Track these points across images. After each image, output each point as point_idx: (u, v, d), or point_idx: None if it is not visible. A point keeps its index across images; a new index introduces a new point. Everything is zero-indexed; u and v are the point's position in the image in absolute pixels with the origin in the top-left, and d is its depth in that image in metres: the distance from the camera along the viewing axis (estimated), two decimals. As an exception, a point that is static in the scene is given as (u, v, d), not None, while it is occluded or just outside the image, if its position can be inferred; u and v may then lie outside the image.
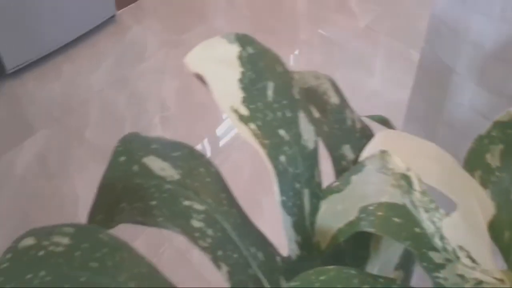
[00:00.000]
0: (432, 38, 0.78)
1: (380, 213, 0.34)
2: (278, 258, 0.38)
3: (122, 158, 0.40)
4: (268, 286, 0.36)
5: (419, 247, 0.34)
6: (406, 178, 0.36)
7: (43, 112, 1.62)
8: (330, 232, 0.38)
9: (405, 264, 0.45)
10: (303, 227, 0.39)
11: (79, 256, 0.32)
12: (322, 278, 0.33)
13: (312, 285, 0.33)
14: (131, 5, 2.05)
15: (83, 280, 0.31)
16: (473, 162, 0.44)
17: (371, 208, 0.35)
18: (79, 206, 1.32)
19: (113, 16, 1.92)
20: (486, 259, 0.37)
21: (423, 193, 0.36)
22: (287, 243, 0.39)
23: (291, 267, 0.37)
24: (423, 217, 0.36)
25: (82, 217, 1.27)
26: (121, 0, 1.99)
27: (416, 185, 0.36)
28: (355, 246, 0.40)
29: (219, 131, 1.58)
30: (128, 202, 0.38)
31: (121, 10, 2.01)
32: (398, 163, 0.37)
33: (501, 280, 0.37)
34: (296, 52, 1.85)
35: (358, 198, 0.36)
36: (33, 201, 1.38)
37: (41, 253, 0.33)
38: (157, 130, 1.58)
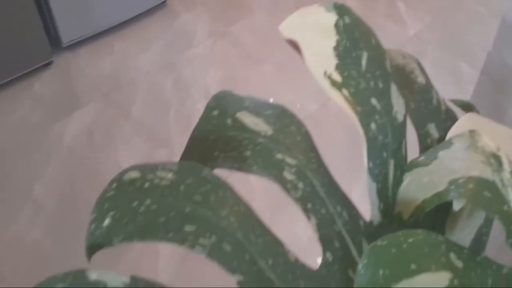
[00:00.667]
0: (501, 43, 0.78)
1: (471, 186, 0.35)
2: (361, 221, 0.39)
3: (215, 112, 0.42)
4: (352, 245, 0.37)
5: (508, 224, 0.35)
6: (496, 157, 0.37)
7: (93, 87, 1.68)
8: (413, 203, 0.39)
9: (475, 250, 0.46)
10: (386, 196, 0.41)
11: (183, 190, 0.34)
12: (410, 240, 0.34)
13: (400, 245, 0.34)
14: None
15: (188, 211, 0.34)
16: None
17: (461, 181, 0.36)
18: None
19: (164, 2, 1.98)
20: None
21: (514, 172, 0.37)
22: (370, 209, 0.40)
23: (373, 232, 0.38)
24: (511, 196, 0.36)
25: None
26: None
27: (506, 165, 0.37)
28: (433, 223, 0.41)
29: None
30: (221, 151, 0.40)
31: (172, -5, 2.06)
32: (488, 142, 0.38)
33: None
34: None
35: (446, 172, 0.37)
36: (79, 170, 1.43)
37: (146, 184, 0.35)
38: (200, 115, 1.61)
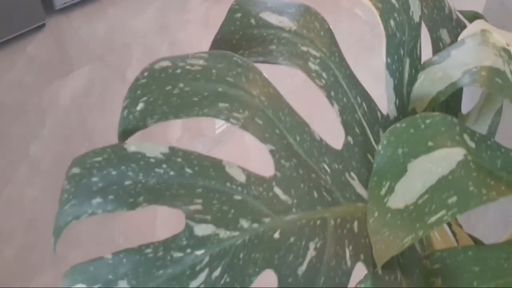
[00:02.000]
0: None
1: (483, 73, 0.37)
2: (379, 114, 0.42)
3: (238, 15, 0.43)
4: (370, 134, 0.40)
5: (516, 107, 0.38)
6: (506, 51, 0.40)
7: (88, 50, 1.66)
8: (427, 98, 0.41)
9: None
10: (401, 93, 0.43)
11: (215, 73, 0.36)
12: (427, 121, 0.37)
13: (418, 126, 0.36)
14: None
15: (220, 91, 0.35)
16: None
17: (474, 70, 0.38)
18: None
19: None
20: None
21: (522, 63, 0.40)
22: (387, 104, 0.42)
23: (389, 125, 0.40)
24: (520, 83, 0.39)
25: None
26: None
27: (516, 57, 0.40)
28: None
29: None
30: (246, 49, 0.41)
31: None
32: (498, 38, 0.40)
33: None
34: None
35: (459, 64, 0.40)
36: (75, 129, 1.43)
37: (178, 71, 0.36)
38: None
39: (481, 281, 0.32)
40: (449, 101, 0.45)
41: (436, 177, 0.34)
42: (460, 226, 0.44)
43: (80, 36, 1.71)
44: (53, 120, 1.45)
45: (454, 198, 0.32)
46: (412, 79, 0.43)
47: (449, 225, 0.44)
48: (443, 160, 0.34)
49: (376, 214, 0.33)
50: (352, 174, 0.36)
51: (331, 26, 0.43)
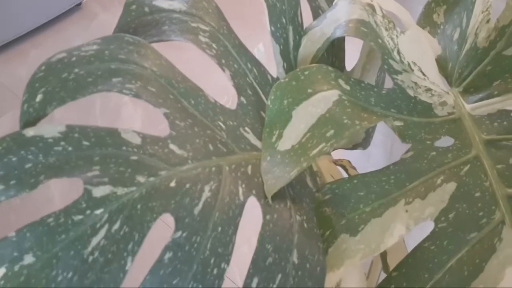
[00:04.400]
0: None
1: (351, 25, 0.42)
2: (269, 76, 0.45)
3: (133, 6, 0.45)
4: (262, 94, 0.42)
5: (383, 53, 0.42)
6: (370, 5, 0.44)
7: (11, 96, 1.59)
8: (310, 57, 0.45)
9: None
10: (288, 57, 0.46)
11: (108, 54, 0.37)
12: (306, 72, 0.40)
13: (298, 77, 0.40)
14: (97, -7, 2.05)
15: (113, 68, 0.36)
16: (424, 22, 0.53)
17: (343, 23, 0.42)
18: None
19: (79, 4, 1.92)
20: (434, 77, 0.46)
21: (383, 16, 0.45)
22: (276, 68, 0.46)
23: (281, 84, 0.44)
24: (384, 34, 0.44)
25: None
26: (88, -13, 1.99)
27: (378, 10, 0.45)
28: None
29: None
30: (142, 33, 0.43)
31: (87, -2, 2.01)
32: (364, -2, 0.45)
33: (447, 92, 0.46)
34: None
35: (332, 22, 0.44)
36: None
37: (74, 59, 0.37)
38: (128, 107, 1.59)
39: (366, 203, 0.35)
40: (333, 61, 0.50)
41: (316, 117, 0.37)
42: (354, 168, 0.48)
43: (2, 83, 1.63)
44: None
45: (332, 131, 0.36)
46: (297, 44, 0.47)
47: (345, 169, 0.48)
48: (320, 102, 0.38)
49: (268, 158, 0.36)
50: (247, 128, 0.39)
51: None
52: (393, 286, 0.32)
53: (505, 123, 0.40)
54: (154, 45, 0.41)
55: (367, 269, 0.53)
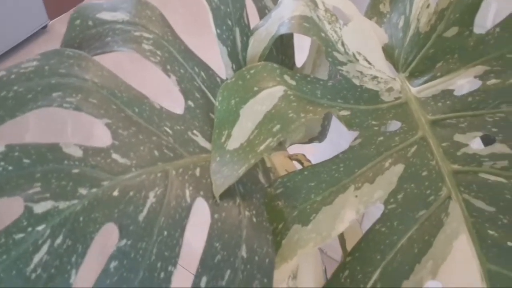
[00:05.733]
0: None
1: (293, 21, 0.42)
2: (218, 79, 0.45)
3: (78, 21, 0.45)
4: (211, 96, 0.42)
5: (326, 46, 0.43)
6: (313, 1, 0.45)
7: None
8: (257, 56, 0.45)
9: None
10: (237, 58, 0.46)
11: (48, 69, 0.37)
12: (252, 71, 0.40)
13: (244, 77, 0.40)
14: (63, 15, 2.05)
15: (53, 83, 0.36)
16: (371, 13, 0.54)
17: (286, 20, 0.43)
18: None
19: (45, 27, 1.91)
20: (381, 64, 0.47)
21: (326, 10, 0.45)
22: (224, 70, 0.46)
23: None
24: (327, 27, 0.44)
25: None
26: (53, 10, 1.98)
27: (320, 5, 0.45)
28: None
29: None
30: (86, 47, 0.43)
31: (53, 20, 2.00)
32: (305, -6, 0.45)
33: (393, 79, 0.46)
34: None
35: (277, 20, 0.44)
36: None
37: (13, 76, 0.37)
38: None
39: (317, 192, 0.35)
40: (283, 59, 0.50)
41: (262, 114, 0.37)
42: (309, 161, 0.48)
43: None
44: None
45: (278, 126, 0.36)
46: (245, 45, 0.47)
47: (301, 163, 0.48)
48: (266, 99, 0.38)
49: (218, 158, 0.36)
50: (195, 131, 0.39)
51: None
52: (347, 271, 0.32)
53: (448, 102, 0.40)
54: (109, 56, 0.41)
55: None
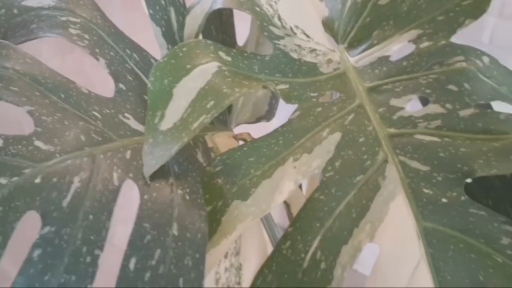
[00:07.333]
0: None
1: (225, -3, 0.42)
2: (152, 60, 0.44)
3: (2, 10, 0.43)
4: (145, 78, 0.42)
5: (261, 21, 0.43)
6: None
7: None
8: (193, 34, 0.45)
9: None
10: (173, 39, 0.46)
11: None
12: (184, 49, 0.39)
13: (177, 56, 0.39)
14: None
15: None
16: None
17: (219, -3, 0.42)
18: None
19: None
20: (320, 37, 0.47)
21: (259, -16, 0.45)
22: (160, 51, 0.45)
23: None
24: (262, 1, 0.44)
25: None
26: None
27: (253, -20, 0.45)
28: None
29: None
30: (11, 37, 0.41)
31: None
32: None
33: (333, 50, 0.47)
34: None
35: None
36: None
37: None
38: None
39: (257, 167, 0.35)
40: (224, 38, 0.50)
41: (196, 91, 0.36)
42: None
43: None
44: None
45: (212, 102, 0.36)
46: (182, 25, 0.46)
47: (246, 141, 0.48)
48: (200, 76, 0.37)
49: (150, 140, 0.35)
50: (127, 114, 0.38)
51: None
52: (289, 242, 0.32)
53: (384, 68, 0.41)
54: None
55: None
